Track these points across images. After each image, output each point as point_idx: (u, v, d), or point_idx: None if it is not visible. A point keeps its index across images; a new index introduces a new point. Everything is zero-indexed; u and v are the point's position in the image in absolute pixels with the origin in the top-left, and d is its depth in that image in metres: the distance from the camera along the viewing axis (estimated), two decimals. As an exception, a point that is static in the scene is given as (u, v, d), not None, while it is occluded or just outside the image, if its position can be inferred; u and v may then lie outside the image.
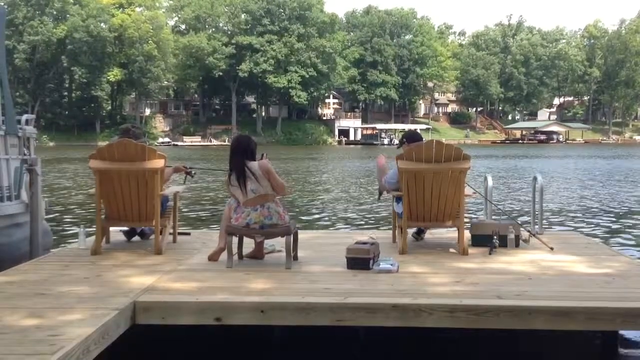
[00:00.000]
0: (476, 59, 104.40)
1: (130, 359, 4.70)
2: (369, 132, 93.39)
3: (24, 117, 7.96)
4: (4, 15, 8.58)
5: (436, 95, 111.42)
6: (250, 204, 5.62)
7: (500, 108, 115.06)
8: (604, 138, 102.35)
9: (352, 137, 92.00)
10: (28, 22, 76.54)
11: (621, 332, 4.97)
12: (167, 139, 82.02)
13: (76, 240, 6.88)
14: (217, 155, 46.85)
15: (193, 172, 7.27)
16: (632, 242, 10.16)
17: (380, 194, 7.03)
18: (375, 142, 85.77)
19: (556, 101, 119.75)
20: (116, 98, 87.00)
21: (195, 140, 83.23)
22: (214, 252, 5.84)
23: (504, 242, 6.38)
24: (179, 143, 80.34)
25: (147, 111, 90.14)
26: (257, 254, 5.98)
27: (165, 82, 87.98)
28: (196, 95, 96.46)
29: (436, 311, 4.28)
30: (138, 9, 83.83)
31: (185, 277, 5.15)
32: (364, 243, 5.65)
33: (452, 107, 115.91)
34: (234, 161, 5.66)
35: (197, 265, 5.68)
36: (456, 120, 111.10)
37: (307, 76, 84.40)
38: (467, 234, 6.44)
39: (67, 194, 18.43)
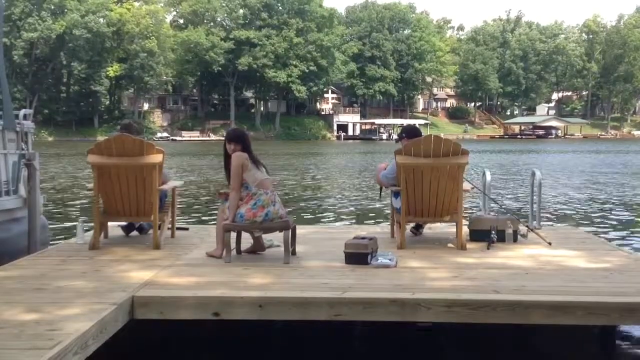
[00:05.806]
0: (475, 53, 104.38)
1: (129, 354, 4.70)
2: (368, 127, 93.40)
3: (22, 112, 7.93)
4: (2, 10, 8.55)
5: (435, 90, 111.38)
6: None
7: (498, 103, 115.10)
8: (603, 133, 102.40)
9: (350, 132, 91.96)
10: (26, 17, 76.33)
11: (619, 326, 4.98)
12: (165, 134, 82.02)
13: (74, 235, 6.87)
14: (216, 150, 46.76)
15: None
16: (630, 237, 10.17)
17: (381, 190, 7.03)
18: (374, 137, 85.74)
19: (554, 96, 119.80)
20: (115, 93, 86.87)
21: (193, 135, 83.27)
22: (212, 254, 5.78)
23: (502, 237, 6.38)
24: (178, 138, 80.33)
25: (146, 106, 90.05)
26: (256, 249, 5.98)
27: (164, 77, 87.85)
28: (194, 90, 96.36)
29: (434, 306, 4.28)
30: (137, 3, 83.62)
31: (183, 272, 5.15)
32: (363, 238, 5.65)
33: (450, 102, 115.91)
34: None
35: (196, 260, 5.68)
36: (455, 115, 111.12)
37: (307, 71, 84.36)
38: (465, 229, 6.44)
39: (65, 188, 18.41)
